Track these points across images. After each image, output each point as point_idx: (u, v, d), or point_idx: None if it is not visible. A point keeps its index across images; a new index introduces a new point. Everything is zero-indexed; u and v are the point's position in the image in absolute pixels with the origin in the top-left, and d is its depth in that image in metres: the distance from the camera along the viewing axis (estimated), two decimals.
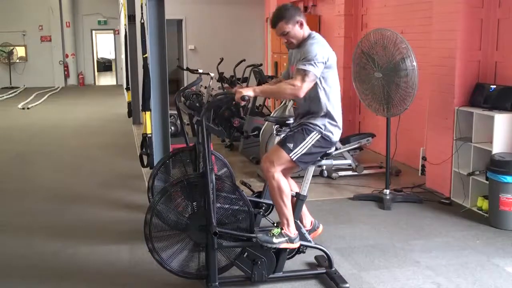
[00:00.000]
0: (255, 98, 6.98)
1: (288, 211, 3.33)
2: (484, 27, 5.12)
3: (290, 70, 3.50)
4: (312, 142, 3.28)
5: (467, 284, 3.47)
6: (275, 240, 3.26)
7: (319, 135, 3.30)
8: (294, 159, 3.26)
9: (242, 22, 12.06)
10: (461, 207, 5.01)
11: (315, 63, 3.14)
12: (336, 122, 3.39)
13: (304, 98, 3.25)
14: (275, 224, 4.05)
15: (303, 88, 3.13)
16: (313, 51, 3.17)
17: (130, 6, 8.38)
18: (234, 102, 3.22)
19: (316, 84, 3.24)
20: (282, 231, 3.31)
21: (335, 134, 3.38)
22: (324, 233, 4.25)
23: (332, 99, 3.35)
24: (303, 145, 3.26)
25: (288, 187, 3.33)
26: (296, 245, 3.37)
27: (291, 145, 3.25)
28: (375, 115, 5.55)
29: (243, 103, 3.13)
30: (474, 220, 4.70)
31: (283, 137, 3.46)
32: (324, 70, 3.24)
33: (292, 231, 3.34)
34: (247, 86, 7.97)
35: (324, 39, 3.37)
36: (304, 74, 3.13)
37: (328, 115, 3.33)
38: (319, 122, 3.31)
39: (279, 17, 3.31)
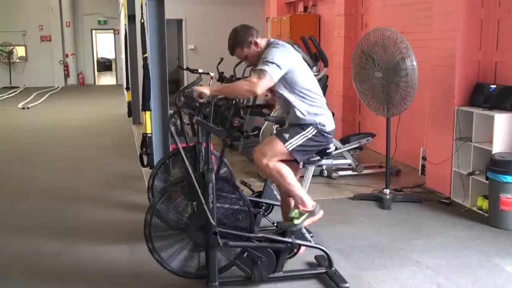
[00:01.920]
0: (255, 97, 6.97)
1: (298, 189, 3.32)
2: (484, 27, 5.12)
3: None
4: (309, 136, 3.27)
5: (467, 284, 3.47)
6: (296, 221, 3.27)
7: (315, 130, 3.29)
8: (289, 149, 3.24)
9: (242, 22, 11.98)
10: (461, 207, 5.01)
11: (270, 63, 3.14)
12: (323, 113, 3.36)
13: (284, 105, 3.33)
14: (275, 224, 4.07)
15: (260, 84, 3.11)
16: (270, 54, 3.18)
17: (130, 6, 8.39)
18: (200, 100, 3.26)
19: (289, 92, 3.27)
20: (300, 209, 3.31)
21: (328, 123, 3.36)
22: (324, 233, 4.26)
23: (310, 98, 3.33)
24: (299, 137, 3.25)
25: (287, 168, 3.28)
26: (319, 215, 3.37)
27: (286, 135, 3.25)
28: (375, 115, 5.55)
29: (201, 101, 3.18)
30: (474, 220, 4.70)
31: (279, 130, 3.47)
32: (291, 74, 3.24)
33: (309, 205, 3.33)
34: None
35: (292, 45, 3.41)
36: (260, 72, 3.14)
37: (313, 113, 3.32)
38: (311, 120, 3.30)
39: (234, 44, 3.35)
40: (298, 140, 3.25)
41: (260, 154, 3.27)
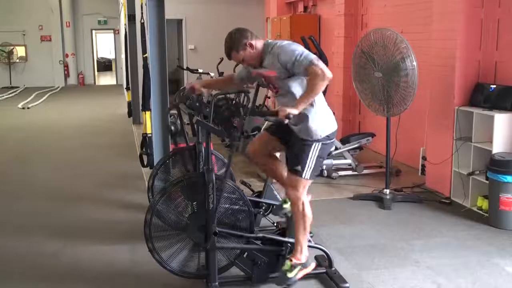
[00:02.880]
0: (255, 98, 6.98)
1: (305, 239, 3.30)
2: (484, 27, 5.12)
3: (252, 72, 3.44)
4: (316, 154, 3.23)
5: (467, 284, 3.47)
6: (290, 275, 3.23)
7: (319, 144, 3.24)
8: (308, 178, 3.24)
9: (242, 22, 11.90)
10: (461, 207, 5.01)
11: (305, 54, 3.09)
12: (326, 113, 3.31)
13: (285, 96, 3.24)
14: (275, 224, 4.07)
15: (324, 69, 3.03)
16: (294, 52, 3.12)
17: (130, 6, 8.38)
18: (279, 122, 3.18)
19: (295, 82, 3.21)
20: (292, 262, 3.25)
21: (330, 126, 3.30)
22: (324, 233, 4.26)
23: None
24: (309, 161, 3.22)
25: (311, 214, 3.28)
26: (311, 267, 3.35)
27: (298, 168, 3.22)
28: (375, 115, 5.55)
29: (286, 122, 3.08)
30: (474, 220, 4.70)
31: (288, 161, 3.39)
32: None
33: (303, 257, 3.29)
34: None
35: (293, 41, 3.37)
36: (312, 62, 3.05)
37: (312, 110, 3.26)
38: (311, 127, 3.22)
39: (229, 48, 3.31)
40: (309, 165, 3.22)
41: (294, 191, 3.24)
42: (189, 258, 3.37)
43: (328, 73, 3.04)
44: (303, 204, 3.23)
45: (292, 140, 3.32)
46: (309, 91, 3.07)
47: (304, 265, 3.28)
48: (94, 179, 6.27)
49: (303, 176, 3.21)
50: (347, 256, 3.90)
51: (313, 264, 3.37)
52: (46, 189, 5.93)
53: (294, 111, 2.99)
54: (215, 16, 12.03)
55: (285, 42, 3.25)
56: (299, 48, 3.16)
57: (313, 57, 3.10)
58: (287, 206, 3.61)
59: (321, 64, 3.06)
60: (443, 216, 4.82)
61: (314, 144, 3.23)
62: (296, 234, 3.29)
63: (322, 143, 3.25)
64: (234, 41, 3.27)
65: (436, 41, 5.47)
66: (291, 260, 3.26)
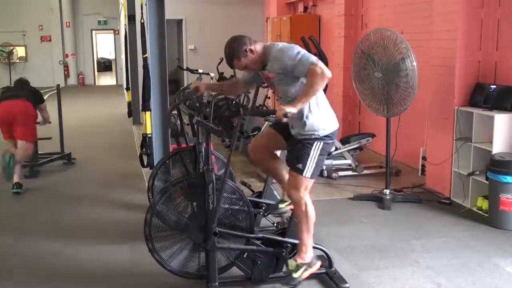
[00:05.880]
0: (255, 98, 6.97)
1: (309, 238, 3.28)
2: (484, 27, 5.12)
3: (261, 75, 3.44)
4: (318, 153, 3.23)
5: (467, 284, 3.47)
6: (295, 275, 3.22)
7: (321, 142, 3.25)
8: (310, 177, 3.23)
9: (242, 22, 12.02)
10: (461, 207, 5.01)
11: (306, 55, 3.11)
12: (327, 112, 3.32)
13: (285, 100, 3.26)
14: (274, 224, 4.07)
15: (324, 68, 3.04)
16: (293, 53, 3.13)
17: (130, 6, 8.38)
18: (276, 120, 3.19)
19: (296, 83, 3.22)
20: (297, 262, 3.25)
21: (331, 124, 3.30)
22: (324, 233, 4.26)
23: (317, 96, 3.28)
24: (310, 159, 3.22)
25: (314, 214, 3.28)
26: (317, 266, 3.33)
27: (300, 166, 3.22)
28: (375, 115, 5.55)
29: (285, 120, 3.08)
30: (474, 220, 4.70)
31: (289, 160, 3.40)
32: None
33: (308, 256, 3.28)
34: None
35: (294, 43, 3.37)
36: (312, 62, 3.07)
37: (314, 108, 3.26)
38: (312, 125, 3.23)
39: (230, 56, 3.31)
40: (311, 163, 3.22)
41: (295, 191, 3.24)
42: (189, 258, 3.37)
43: (328, 73, 3.05)
44: (305, 204, 3.23)
45: (293, 138, 3.32)
46: (309, 88, 3.08)
47: (309, 265, 3.28)
48: (94, 179, 6.27)
49: (304, 174, 3.21)
50: (347, 256, 3.90)
51: (318, 264, 3.36)
52: (46, 188, 5.92)
53: (292, 110, 2.99)
54: (215, 16, 12.03)
55: (284, 45, 3.24)
56: (299, 49, 3.17)
57: (313, 58, 3.11)
58: (283, 206, 3.61)
59: (320, 63, 3.07)
60: (443, 216, 4.82)
61: (315, 143, 3.23)
62: (300, 234, 3.29)
63: (324, 142, 3.26)
64: (234, 50, 3.28)
65: (436, 41, 5.47)
66: (296, 260, 3.26)
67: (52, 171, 6.68)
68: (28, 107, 5.94)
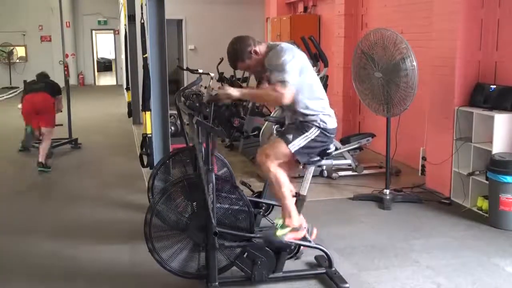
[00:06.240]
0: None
1: (290, 202, 3.30)
2: (484, 27, 5.12)
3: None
4: (312, 137, 3.25)
5: (467, 284, 3.47)
6: (278, 233, 3.25)
7: (318, 130, 3.27)
8: (293, 151, 3.22)
9: (242, 22, 12.04)
10: (461, 207, 5.01)
11: (288, 72, 3.13)
12: (325, 110, 3.34)
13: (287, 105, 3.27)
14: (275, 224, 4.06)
15: (287, 96, 3.12)
16: (281, 58, 3.15)
17: (130, 6, 8.39)
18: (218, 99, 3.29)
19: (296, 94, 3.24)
20: (285, 223, 3.29)
21: (330, 121, 3.33)
22: (324, 233, 4.25)
23: (315, 96, 3.31)
24: (302, 138, 3.23)
25: (286, 178, 3.28)
26: (301, 234, 3.34)
27: (290, 137, 3.23)
28: (375, 115, 5.55)
29: (226, 102, 3.19)
30: (474, 220, 4.70)
31: (282, 130, 3.44)
32: (300, 78, 3.20)
33: (294, 221, 3.30)
34: (247, 86, 7.97)
35: (292, 45, 3.36)
36: (284, 83, 3.11)
37: (315, 110, 3.30)
38: (313, 118, 3.28)
39: (234, 59, 3.32)
40: (301, 141, 3.23)
41: (263, 156, 3.25)
42: (189, 258, 3.37)
43: (284, 100, 3.13)
44: (275, 175, 3.22)
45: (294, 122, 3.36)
46: (260, 93, 3.25)
47: (296, 229, 3.30)
48: (94, 179, 6.27)
49: (289, 146, 3.21)
50: (347, 256, 3.90)
51: (303, 232, 3.37)
52: (46, 188, 5.93)
53: (235, 92, 3.15)
54: (215, 16, 12.04)
55: (281, 48, 3.23)
56: (289, 59, 3.16)
57: (287, 77, 3.12)
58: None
59: (289, 90, 3.11)
60: (443, 216, 4.82)
61: (313, 128, 3.25)
62: (280, 201, 3.32)
63: (321, 132, 3.26)
64: (238, 52, 3.27)
65: (436, 41, 5.47)
66: (284, 220, 3.30)
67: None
68: (49, 99, 6.96)
